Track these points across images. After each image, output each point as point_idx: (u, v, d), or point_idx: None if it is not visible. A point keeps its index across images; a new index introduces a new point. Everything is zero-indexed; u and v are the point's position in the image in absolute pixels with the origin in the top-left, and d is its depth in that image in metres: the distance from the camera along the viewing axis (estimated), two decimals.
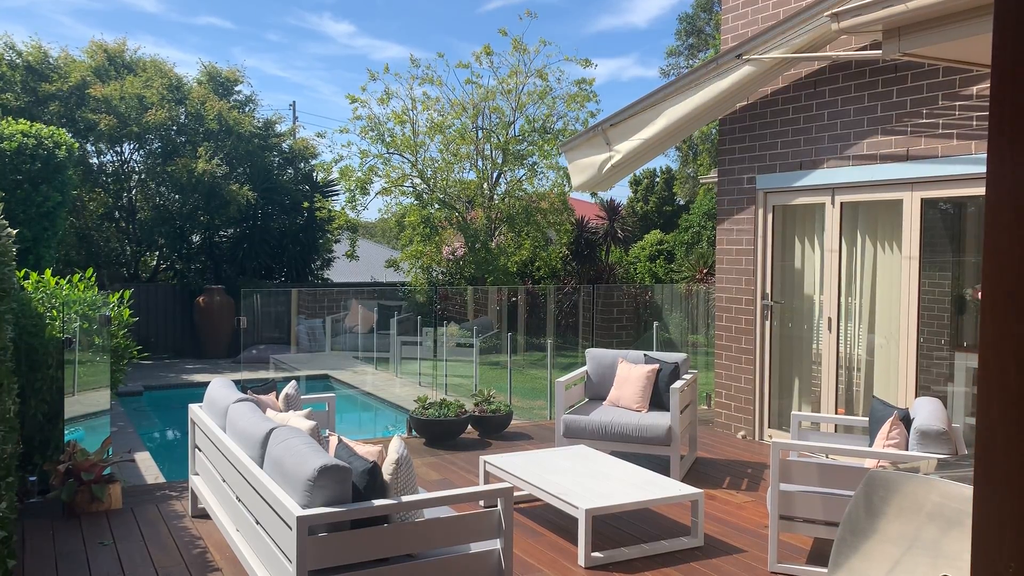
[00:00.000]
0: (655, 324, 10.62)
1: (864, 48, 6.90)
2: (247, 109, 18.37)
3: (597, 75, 24.49)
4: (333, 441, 4.12)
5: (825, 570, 4.83)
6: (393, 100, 18.64)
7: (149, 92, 16.31)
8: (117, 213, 17.46)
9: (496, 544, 3.94)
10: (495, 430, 8.29)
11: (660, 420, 6.59)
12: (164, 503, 5.98)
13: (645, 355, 7.39)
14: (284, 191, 18.26)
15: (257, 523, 4.05)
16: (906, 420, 4.97)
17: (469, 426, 8.22)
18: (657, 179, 27.91)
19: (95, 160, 16.97)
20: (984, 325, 1.12)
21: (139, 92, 16.17)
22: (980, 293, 1.14)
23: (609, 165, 7.60)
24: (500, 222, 19.04)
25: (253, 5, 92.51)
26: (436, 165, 18.89)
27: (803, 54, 6.75)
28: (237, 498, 4.42)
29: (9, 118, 9.95)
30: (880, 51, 4.48)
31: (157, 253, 18.33)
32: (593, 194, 21.42)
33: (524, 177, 19.07)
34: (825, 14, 4.92)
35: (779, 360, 8.10)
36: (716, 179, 8.74)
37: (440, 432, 7.88)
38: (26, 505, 5.82)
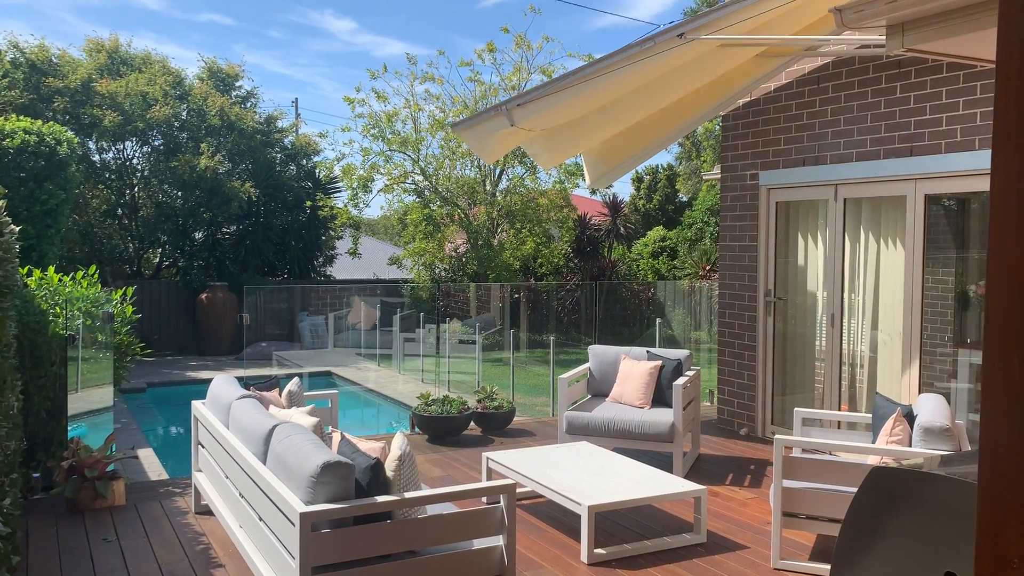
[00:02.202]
0: (658, 321, 10.60)
1: (868, 43, 6.86)
2: (248, 104, 18.36)
3: None
4: (336, 438, 4.12)
5: (828, 566, 4.83)
6: (395, 97, 18.65)
7: (153, 89, 16.32)
8: (120, 210, 17.47)
9: (499, 540, 3.95)
10: (498, 427, 8.30)
11: (663, 417, 6.59)
12: (167, 499, 6.00)
13: (648, 352, 7.39)
14: (286, 188, 18.26)
15: (260, 519, 4.05)
16: (909, 417, 4.96)
17: (472, 423, 8.23)
18: (659, 175, 27.89)
19: (97, 157, 16.98)
20: (989, 321, 1.11)
21: (143, 89, 16.18)
22: (984, 289, 1.13)
23: (532, 143, 7.08)
24: (502, 219, 19.03)
25: (255, 2, 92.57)
26: (438, 162, 18.89)
27: (748, 36, 6.16)
28: (240, 494, 4.43)
29: (14, 116, 9.96)
30: (873, 43, 4.46)
31: (160, 250, 18.34)
32: (593, 191, 21.40)
33: (525, 174, 19.06)
34: (828, 9, 4.88)
35: (782, 356, 8.09)
36: (719, 175, 8.72)
37: (443, 429, 7.89)
38: (30, 501, 5.83)
